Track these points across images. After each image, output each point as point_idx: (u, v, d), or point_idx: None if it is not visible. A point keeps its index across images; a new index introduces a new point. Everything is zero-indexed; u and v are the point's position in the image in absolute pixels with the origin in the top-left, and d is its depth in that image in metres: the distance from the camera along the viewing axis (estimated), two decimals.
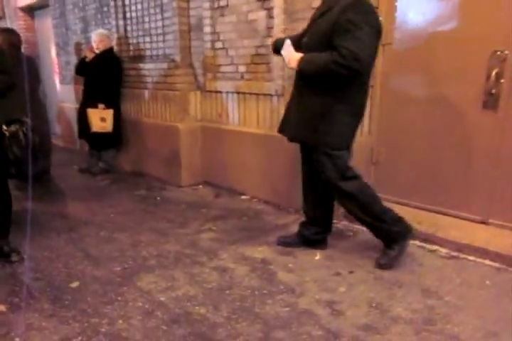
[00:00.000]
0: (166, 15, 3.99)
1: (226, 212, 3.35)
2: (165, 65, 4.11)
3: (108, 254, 2.66)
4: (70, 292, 2.22)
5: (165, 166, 4.26)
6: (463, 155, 2.78)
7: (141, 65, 4.42)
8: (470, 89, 2.67)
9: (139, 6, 4.28)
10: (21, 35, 7.19)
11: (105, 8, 4.80)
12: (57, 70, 6.49)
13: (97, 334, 1.87)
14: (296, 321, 1.94)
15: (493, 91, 2.57)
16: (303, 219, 2.69)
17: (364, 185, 2.36)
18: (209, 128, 4.04)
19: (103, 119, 4.32)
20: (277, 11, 3.15)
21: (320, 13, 2.22)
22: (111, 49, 4.46)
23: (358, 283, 2.27)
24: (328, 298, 2.12)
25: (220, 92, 3.87)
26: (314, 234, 2.62)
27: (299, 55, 2.19)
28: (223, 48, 3.73)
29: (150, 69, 4.31)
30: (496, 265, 2.41)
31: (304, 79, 2.28)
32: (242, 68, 3.60)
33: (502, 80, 2.54)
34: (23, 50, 4.45)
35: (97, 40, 4.36)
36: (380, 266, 2.39)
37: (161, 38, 4.12)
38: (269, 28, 3.27)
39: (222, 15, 3.66)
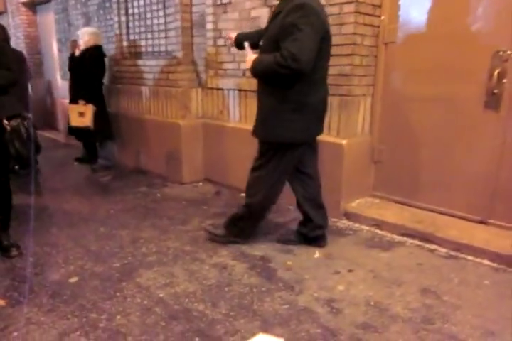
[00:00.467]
0: (168, 11, 3.98)
1: (227, 209, 3.35)
2: (167, 62, 4.10)
3: (108, 250, 2.67)
4: (69, 287, 2.23)
5: (166, 163, 4.26)
6: (464, 155, 2.78)
7: (143, 62, 4.41)
8: (472, 89, 2.67)
9: (142, 2, 4.27)
10: (23, 30, 7.23)
11: (107, 4, 4.79)
12: (58, 66, 6.48)
13: (95, 329, 1.87)
14: (295, 319, 1.94)
15: (496, 91, 2.57)
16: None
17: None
18: (210, 125, 4.04)
19: (81, 114, 4.40)
20: None
21: (273, 17, 2.34)
22: (97, 46, 4.46)
23: (357, 281, 2.27)
24: (327, 296, 2.13)
25: (222, 89, 3.86)
26: (311, 230, 2.63)
27: (253, 56, 2.33)
28: (225, 45, 3.73)
29: (152, 65, 4.30)
30: (495, 265, 2.41)
31: (259, 79, 2.42)
32: (243, 65, 3.59)
33: (504, 80, 2.54)
34: (13, 44, 4.46)
35: (80, 37, 4.47)
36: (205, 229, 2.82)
37: (163, 34, 4.11)
38: None
39: (225, 12, 3.65)
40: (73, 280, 2.30)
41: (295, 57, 2.07)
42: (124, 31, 4.58)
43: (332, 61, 2.92)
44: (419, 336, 1.82)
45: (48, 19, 6.68)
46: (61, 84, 6.42)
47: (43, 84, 7.43)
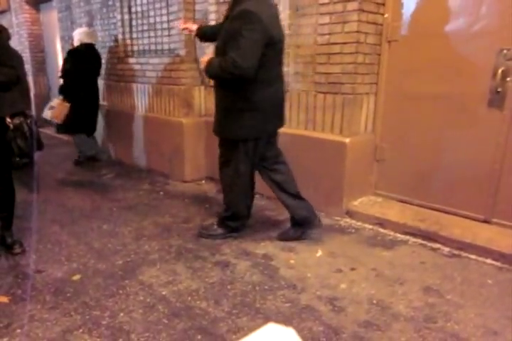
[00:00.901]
0: (171, 9, 3.97)
1: None
2: (170, 60, 4.10)
3: (110, 248, 2.67)
4: (72, 284, 2.23)
5: (168, 161, 4.26)
6: (467, 153, 2.77)
7: (146, 60, 4.41)
8: (476, 87, 2.66)
9: (145, 0, 4.26)
10: (26, 28, 7.25)
11: (110, 2, 4.78)
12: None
13: (98, 326, 1.88)
14: (297, 317, 1.94)
15: (499, 89, 2.56)
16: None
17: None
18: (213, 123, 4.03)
19: (51, 107, 4.43)
20: (283, 6, 3.14)
21: (224, 19, 2.49)
22: (86, 45, 4.42)
23: (360, 279, 2.27)
24: (329, 295, 2.13)
25: None
26: (295, 213, 2.73)
27: (207, 58, 2.46)
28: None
29: (154, 63, 4.30)
30: (498, 264, 2.41)
31: (213, 80, 2.57)
32: None
33: (508, 78, 2.53)
34: (16, 43, 4.49)
35: (73, 36, 4.55)
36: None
37: (166, 32, 4.11)
38: None
39: None
40: (76, 277, 2.31)
41: (237, 65, 2.23)
42: (127, 29, 4.57)
43: (335, 59, 2.94)
44: (421, 334, 1.82)
45: (52, 17, 6.69)
46: None
47: (46, 82, 7.45)
